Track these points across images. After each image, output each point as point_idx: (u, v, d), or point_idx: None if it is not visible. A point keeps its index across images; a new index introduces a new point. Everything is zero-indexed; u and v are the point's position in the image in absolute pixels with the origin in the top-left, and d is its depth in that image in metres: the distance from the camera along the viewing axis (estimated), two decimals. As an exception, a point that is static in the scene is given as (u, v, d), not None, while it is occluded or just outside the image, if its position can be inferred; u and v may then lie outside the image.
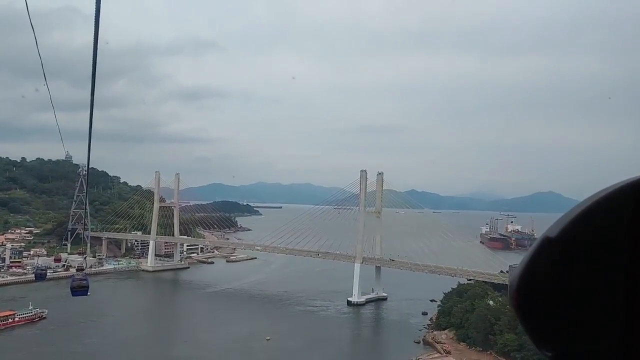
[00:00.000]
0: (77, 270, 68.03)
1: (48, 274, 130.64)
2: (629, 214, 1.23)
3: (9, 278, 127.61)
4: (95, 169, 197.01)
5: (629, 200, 1.24)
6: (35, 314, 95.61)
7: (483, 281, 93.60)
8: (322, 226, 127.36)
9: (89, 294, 52.51)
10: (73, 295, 52.53)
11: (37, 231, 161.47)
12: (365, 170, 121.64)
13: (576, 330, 1.29)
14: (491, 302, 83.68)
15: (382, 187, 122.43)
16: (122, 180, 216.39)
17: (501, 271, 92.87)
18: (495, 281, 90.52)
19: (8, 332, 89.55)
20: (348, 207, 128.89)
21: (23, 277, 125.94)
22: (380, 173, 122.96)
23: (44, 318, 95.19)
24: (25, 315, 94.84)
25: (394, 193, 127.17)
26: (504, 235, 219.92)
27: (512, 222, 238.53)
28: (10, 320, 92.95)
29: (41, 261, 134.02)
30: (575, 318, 1.29)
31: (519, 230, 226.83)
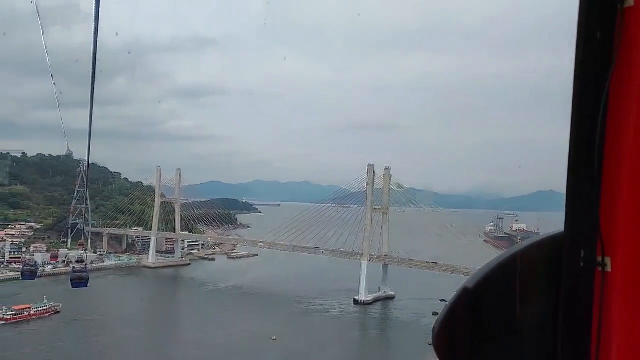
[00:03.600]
0: (77, 262, 67.45)
1: (48, 270, 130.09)
2: (536, 268, 1.48)
3: (9, 274, 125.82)
4: (97, 164, 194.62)
5: (537, 255, 1.50)
6: (49, 308, 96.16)
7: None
8: (323, 224, 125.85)
9: (88, 286, 52.06)
10: (73, 287, 52.03)
11: (38, 227, 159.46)
12: (372, 165, 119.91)
13: None
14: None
15: (389, 183, 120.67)
16: (122, 177, 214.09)
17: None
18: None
19: (24, 326, 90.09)
20: (347, 205, 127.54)
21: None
22: (387, 168, 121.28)
23: (58, 312, 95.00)
24: (40, 308, 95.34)
25: (393, 191, 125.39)
26: (509, 234, 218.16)
27: (516, 220, 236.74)
28: (25, 313, 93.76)
29: (40, 257, 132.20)
30: (484, 353, 1.54)
31: (525, 229, 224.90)
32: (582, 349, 1.34)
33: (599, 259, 1.30)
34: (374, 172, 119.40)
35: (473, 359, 1.57)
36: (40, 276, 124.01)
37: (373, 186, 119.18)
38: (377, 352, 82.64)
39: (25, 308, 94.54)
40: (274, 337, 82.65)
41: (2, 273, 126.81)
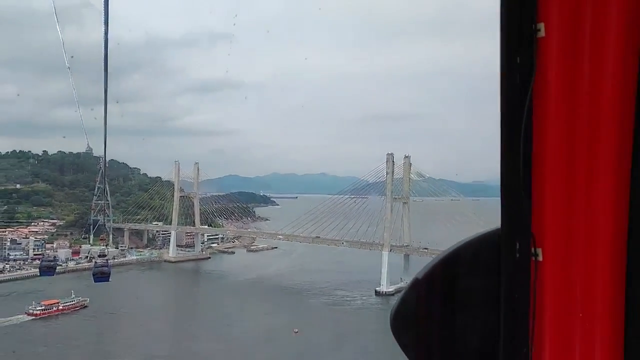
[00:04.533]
0: (99, 256, 68.07)
1: (71, 265, 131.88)
2: (478, 260, 1.71)
3: (33, 270, 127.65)
4: (116, 160, 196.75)
5: (478, 248, 1.73)
6: (77, 303, 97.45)
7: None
8: (341, 215, 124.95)
9: (109, 280, 52.71)
10: (95, 281, 53.05)
11: (60, 223, 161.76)
12: (392, 154, 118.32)
13: (436, 348, 1.84)
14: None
15: (409, 172, 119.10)
16: (142, 172, 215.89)
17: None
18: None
19: (54, 320, 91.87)
20: (365, 195, 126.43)
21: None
22: (407, 157, 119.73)
23: (86, 307, 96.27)
24: (68, 303, 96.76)
25: (413, 180, 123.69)
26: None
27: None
28: (54, 308, 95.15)
29: (63, 253, 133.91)
30: (435, 340, 1.83)
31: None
32: (521, 328, 1.54)
33: (532, 250, 1.50)
34: (393, 161, 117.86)
35: (424, 340, 1.86)
36: (64, 272, 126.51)
37: (393, 175, 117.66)
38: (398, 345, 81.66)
39: (54, 303, 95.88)
40: (296, 330, 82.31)
41: (27, 270, 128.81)
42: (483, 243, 1.72)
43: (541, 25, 1.35)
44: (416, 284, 1.81)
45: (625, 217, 1.37)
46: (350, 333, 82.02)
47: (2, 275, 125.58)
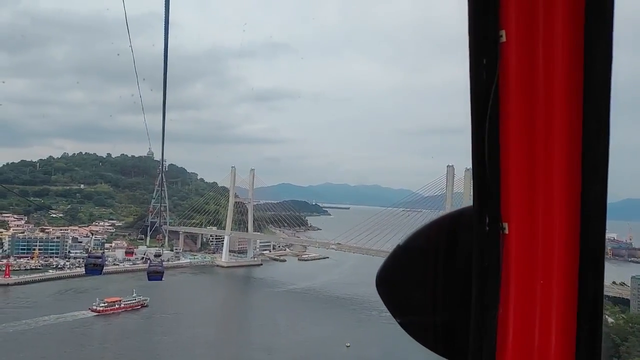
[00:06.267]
0: (155, 256, 68.25)
1: (127, 266, 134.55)
2: (452, 232, 1.97)
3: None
4: (175, 165, 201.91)
5: (452, 222, 2.00)
6: (138, 302, 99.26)
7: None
8: (396, 228, 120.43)
9: (163, 279, 53.02)
10: (149, 279, 53.14)
11: (119, 224, 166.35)
12: (452, 166, 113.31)
13: (413, 306, 2.10)
14: (611, 320, 72.16)
15: (470, 185, 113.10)
16: (199, 177, 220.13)
17: (614, 282, 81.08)
18: (611, 294, 78.85)
19: (116, 317, 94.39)
20: (419, 209, 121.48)
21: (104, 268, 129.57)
22: (468, 170, 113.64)
23: (146, 306, 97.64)
24: (130, 302, 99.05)
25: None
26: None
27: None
28: (116, 306, 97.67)
29: (121, 254, 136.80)
30: (412, 298, 2.10)
31: (615, 238, 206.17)
32: (490, 293, 1.73)
33: (500, 224, 1.70)
34: (453, 175, 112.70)
35: (404, 302, 2.14)
36: (120, 272, 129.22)
37: (453, 188, 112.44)
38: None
39: (116, 301, 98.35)
40: (348, 344, 78.80)
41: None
42: (459, 217, 1.97)
43: (503, 32, 1.60)
44: (398, 250, 2.10)
45: (578, 196, 1.59)
46: (407, 351, 77.52)
47: (62, 272, 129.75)
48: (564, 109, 1.56)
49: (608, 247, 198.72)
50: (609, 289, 79.73)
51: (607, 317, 73.44)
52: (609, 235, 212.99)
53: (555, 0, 1.53)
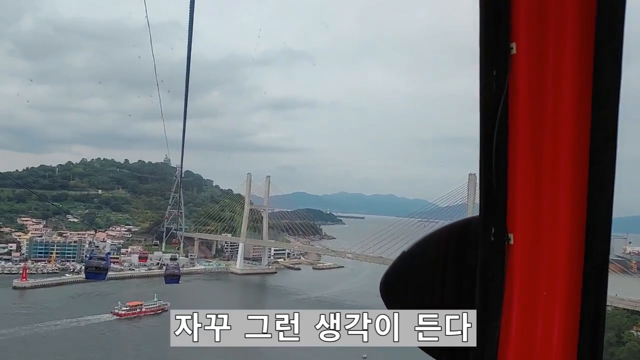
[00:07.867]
0: (171, 259, 67.88)
1: (143, 271, 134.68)
2: (458, 241, 1.96)
3: (109, 273, 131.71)
4: (191, 172, 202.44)
5: (458, 232, 1.99)
6: (159, 306, 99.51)
7: (624, 309, 79.55)
8: (412, 238, 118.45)
9: (179, 282, 53.64)
10: (166, 282, 53.69)
11: (135, 229, 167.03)
12: (474, 174, 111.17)
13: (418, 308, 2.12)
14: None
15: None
16: (214, 184, 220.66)
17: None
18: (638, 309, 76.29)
19: (138, 321, 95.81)
20: (435, 220, 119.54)
21: (120, 272, 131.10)
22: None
23: (167, 310, 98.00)
24: (151, 306, 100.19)
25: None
26: (622, 257, 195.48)
27: (629, 242, 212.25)
28: (138, 310, 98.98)
29: (136, 259, 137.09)
30: (415, 306, 2.13)
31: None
32: (494, 302, 1.75)
33: (505, 235, 1.72)
34: (475, 183, 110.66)
35: (406, 306, 2.16)
36: (136, 277, 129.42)
37: (474, 197, 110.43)
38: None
39: (138, 305, 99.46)
40: (365, 356, 77.08)
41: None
42: (465, 227, 1.97)
43: (513, 45, 1.61)
44: (403, 256, 2.12)
45: (584, 208, 1.59)
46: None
47: (78, 276, 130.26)
48: (572, 121, 1.56)
49: (632, 260, 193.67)
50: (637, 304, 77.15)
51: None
52: (632, 248, 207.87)
53: (566, 14, 1.54)
